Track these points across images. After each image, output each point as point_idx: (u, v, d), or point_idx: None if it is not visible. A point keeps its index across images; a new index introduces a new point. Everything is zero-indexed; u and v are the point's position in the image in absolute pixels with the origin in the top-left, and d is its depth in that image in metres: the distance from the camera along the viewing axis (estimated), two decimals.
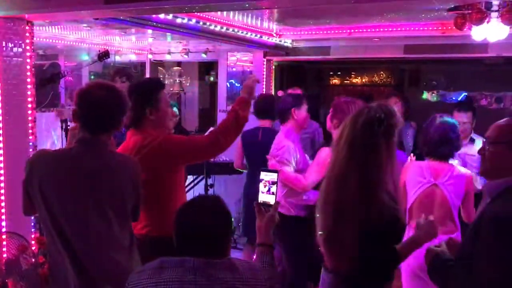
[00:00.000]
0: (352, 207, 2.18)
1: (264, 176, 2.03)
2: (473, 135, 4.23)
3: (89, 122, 2.18)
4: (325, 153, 3.41)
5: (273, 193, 2.00)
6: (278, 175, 2.04)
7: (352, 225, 2.16)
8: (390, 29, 5.22)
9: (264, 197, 2.02)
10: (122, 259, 2.24)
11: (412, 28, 5.13)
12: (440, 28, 4.97)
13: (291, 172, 3.68)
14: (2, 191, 3.48)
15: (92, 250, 2.21)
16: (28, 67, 3.59)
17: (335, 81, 11.96)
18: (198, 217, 1.68)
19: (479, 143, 4.07)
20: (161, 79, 8.70)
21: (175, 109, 5.28)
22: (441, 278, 2.02)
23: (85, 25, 4.97)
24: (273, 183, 2.01)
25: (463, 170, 3.25)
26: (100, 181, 2.21)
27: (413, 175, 3.27)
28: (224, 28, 4.91)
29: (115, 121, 2.23)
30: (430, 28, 5.05)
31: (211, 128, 4.95)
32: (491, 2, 3.76)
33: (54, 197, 2.16)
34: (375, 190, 2.16)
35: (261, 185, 2.03)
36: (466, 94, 11.19)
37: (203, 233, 1.66)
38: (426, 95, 11.83)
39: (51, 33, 5.65)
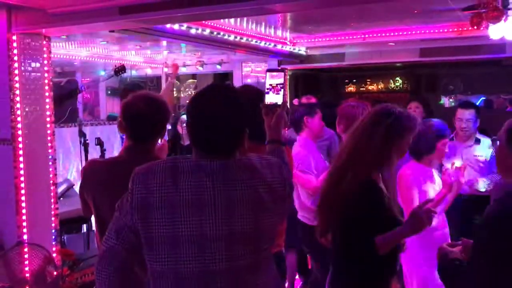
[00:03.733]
0: (332, 192, 2.31)
1: (270, 77, 1.95)
2: (478, 135, 4.07)
3: (133, 133, 2.35)
4: None
5: (279, 94, 1.94)
6: (284, 74, 1.97)
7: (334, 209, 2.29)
8: (405, 33, 5.18)
9: (271, 98, 1.95)
10: None
11: (428, 31, 5.08)
12: (456, 29, 4.92)
13: (302, 174, 3.61)
14: (24, 204, 3.51)
15: None
16: (46, 81, 3.64)
17: (351, 88, 11.92)
18: (213, 107, 1.58)
19: (485, 143, 3.99)
20: (176, 92, 8.79)
21: (184, 116, 5.39)
22: (449, 276, 1.97)
23: (101, 39, 5.02)
24: (280, 83, 1.95)
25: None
26: None
27: None
28: (238, 37, 4.92)
29: (157, 131, 2.39)
30: (446, 30, 4.99)
31: None
32: (508, 0, 3.71)
33: (106, 202, 2.24)
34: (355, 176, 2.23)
35: (267, 87, 1.96)
36: (484, 98, 11.04)
37: (217, 124, 1.57)
38: (443, 101, 11.70)
39: (68, 49, 5.73)
